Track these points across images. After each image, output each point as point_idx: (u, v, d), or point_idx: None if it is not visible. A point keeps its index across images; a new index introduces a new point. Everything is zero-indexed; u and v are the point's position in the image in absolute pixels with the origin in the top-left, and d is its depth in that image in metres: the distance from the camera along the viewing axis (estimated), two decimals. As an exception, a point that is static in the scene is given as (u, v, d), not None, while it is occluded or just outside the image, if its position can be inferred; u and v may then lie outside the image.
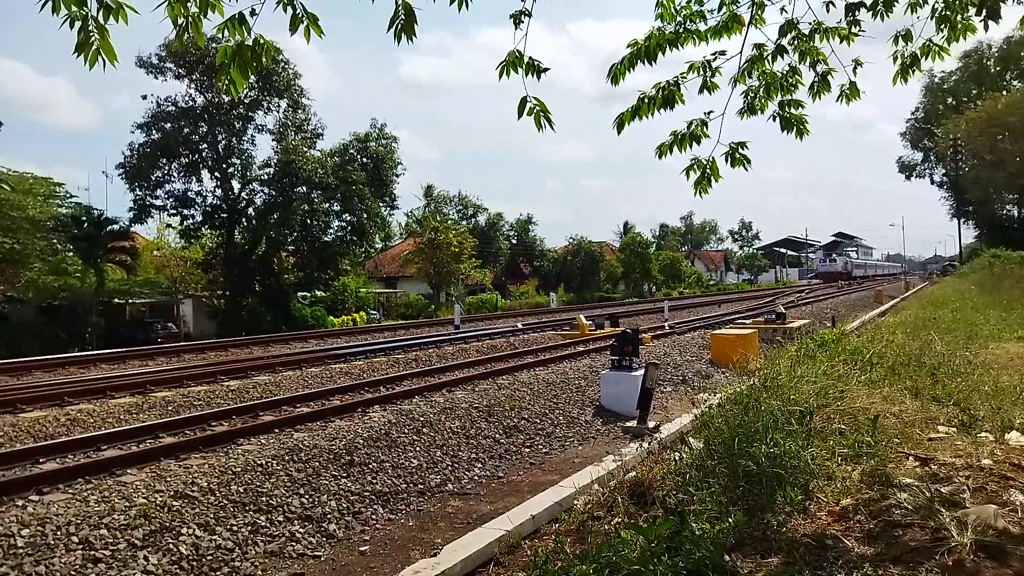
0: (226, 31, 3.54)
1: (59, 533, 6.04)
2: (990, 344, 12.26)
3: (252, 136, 36.74)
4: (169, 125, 34.21)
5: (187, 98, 34.65)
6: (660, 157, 5.14)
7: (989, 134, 46.95)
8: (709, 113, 5.05)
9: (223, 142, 35.74)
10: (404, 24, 3.75)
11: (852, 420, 6.16)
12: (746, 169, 4.99)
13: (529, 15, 4.31)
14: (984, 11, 5.06)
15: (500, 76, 4.44)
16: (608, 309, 37.50)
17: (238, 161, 36.49)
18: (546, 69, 4.47)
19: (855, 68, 5.59)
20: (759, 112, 5.36)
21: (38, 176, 31.15)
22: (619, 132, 5.11)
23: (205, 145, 35.50)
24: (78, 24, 3.11)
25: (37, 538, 5.94)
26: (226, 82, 3.65)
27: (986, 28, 5.22)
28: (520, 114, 4.43)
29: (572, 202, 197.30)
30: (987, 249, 53.22)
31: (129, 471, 7.81)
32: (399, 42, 3.78)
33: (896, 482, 4.68)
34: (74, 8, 3.09)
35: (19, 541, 5.86)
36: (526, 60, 4.42)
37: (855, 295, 47.09)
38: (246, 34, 3.55)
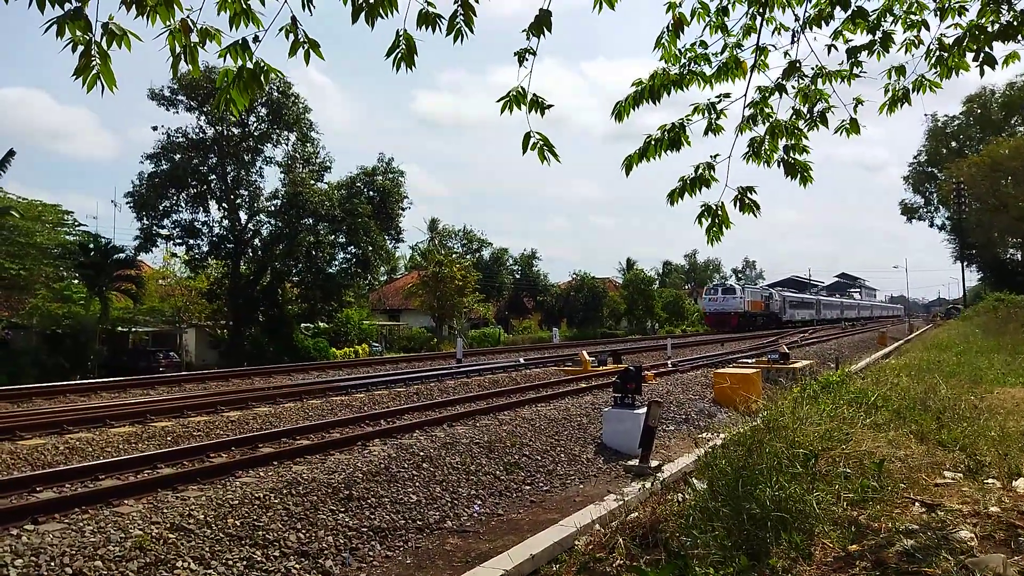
0: (228, 57, 3.62)
1: (53, 564, 5.96)
2: (995, 388, 12.16)
3: (260, 168, 37.16)
4: (179, 156, 34.59)
5: (197, 130, 35.14)
6: (672, 204, 5.16)
7: (992, 178, 47.27)
8: (715, 156, 5.10)
9: (232, 174, 36.10)
10: (404, 54, 3.86)
11: (857, 464, 6.08)
12: (755, 216, 5.00)
13: (533, 54, 4.40)
14: (980, 56, 5.16)
15: (502, 111, 4.51)
16: (611, 345, 37.40)
17: (246, 192, 36.80)
18: (550, 106, 4.54)
19: (856, 106, 5.68)
20: (764, 157, 5.41)
21: (47, 203, 31.47)
22: (627, 174, 5.17)
23: (214, 176, 35.85)
24: (80, 48, 3.18)
25: (31, 569, 5.87)
26: (225, 101, 3.71)
27: (981, 73, 5.32)
28: (524, 149, 4.50)
29: (580, 239, 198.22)
30: (991, 292, 53.15)
31: (126, 502, 7.74)
32: (398, 70, 3.92)
33: (902, 528, 4.61)
34: (79, 33, 3.15)
35: (12, 572, 5.79)
36: (530, 96, 4.49)
37: (858, 337, 46.85)
38: (248, 60, 3.63)
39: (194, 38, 3.48)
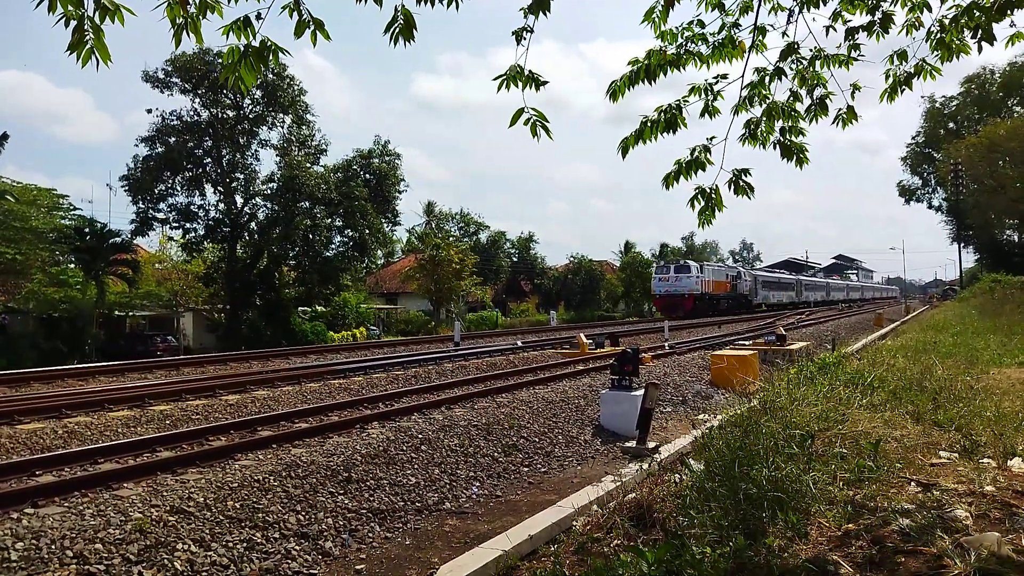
0: (231, 34, 3.58)
1: (54, 547, 5.99)
2: (991, 369, 12.22)
3: (256, 151, 37.03)
4: (174, 139, 34.41)
5: (192, 112, 34.93)
6: (667, 187, 5.14)
7: (990, 159, 47.23)
8: (712, 139, 5.07)
9: (227, 157, 35.92)
10: (402, 27, 3.84)
11: (853, 444, 6.12)
12: (749, 198, 4.99)
13: (531, 31, 4.37)
14: (979, 33, 5.11)
15: (499, 89, 4.47)
16: (608, 328, 37.42)
17: (241, 176, 36.70)
18: (545, 82, 4.51)
19: (853, 93, 5.64)
20: (760, 139, 5.38)
21: (42, 187, 31.37)
22: (623, 156, 5.13)
23: (209, 159, 35.69)
24: (73, 24, 3.14)
25: (31, 552, 5.89)
26: (234, 79, 3.68)
27: (979, 50, 5.27)
28: (514, 122, 4.44)
29: (580, 225, 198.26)
30: (987, 274, 53.29)
31: (126, 485, 7.77)
32: (395, 44, 3.90)
33: (898, 507, 4.64)
34: (71, 8, 3.12)
35: (13, 555, 5.82)
36: (526, 73, 4.46)
37: (855, 318, 46.96)
38: (251, 37, 3.59)
39: (192, 10, 3.44)
